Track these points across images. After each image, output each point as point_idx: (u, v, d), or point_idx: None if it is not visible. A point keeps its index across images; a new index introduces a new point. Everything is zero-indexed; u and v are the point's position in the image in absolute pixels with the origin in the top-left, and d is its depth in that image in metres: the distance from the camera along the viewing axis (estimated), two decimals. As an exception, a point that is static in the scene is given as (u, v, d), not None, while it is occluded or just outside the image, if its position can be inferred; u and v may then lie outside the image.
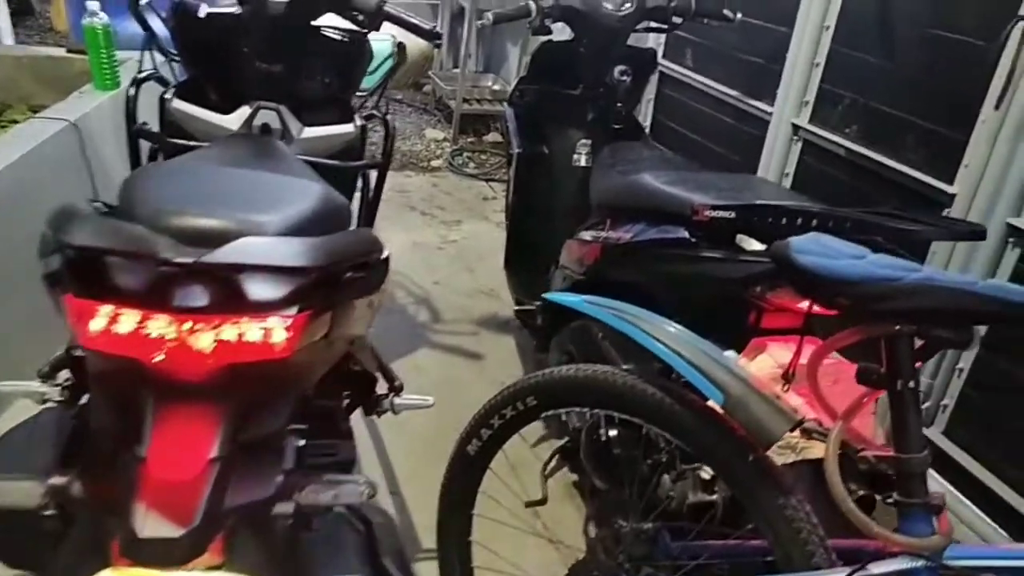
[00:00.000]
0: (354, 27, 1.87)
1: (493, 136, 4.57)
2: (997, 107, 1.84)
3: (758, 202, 1.35)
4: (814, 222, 1.23)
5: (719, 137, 2.95)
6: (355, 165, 1.90)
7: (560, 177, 2.43)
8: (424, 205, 3.73)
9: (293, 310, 0.79)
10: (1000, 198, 1.84)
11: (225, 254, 0.76)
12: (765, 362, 1.34)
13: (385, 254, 1.15)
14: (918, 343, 0.96)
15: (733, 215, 1.32)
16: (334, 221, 1.12)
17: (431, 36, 1.89)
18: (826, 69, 2.42)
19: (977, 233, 1.18)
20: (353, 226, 1.34)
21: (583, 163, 2.42)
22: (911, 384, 0.96)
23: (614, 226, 1.69)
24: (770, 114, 2.64)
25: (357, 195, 2.04)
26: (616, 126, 2.41)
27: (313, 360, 0.92)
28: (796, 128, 2.53)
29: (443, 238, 3.42)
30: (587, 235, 1.80)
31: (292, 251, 0.80)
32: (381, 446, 2.12)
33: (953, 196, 1.97)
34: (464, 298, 2.93)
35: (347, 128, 1.92)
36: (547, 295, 1.35)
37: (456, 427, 1.43)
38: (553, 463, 1.69)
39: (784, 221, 1.26)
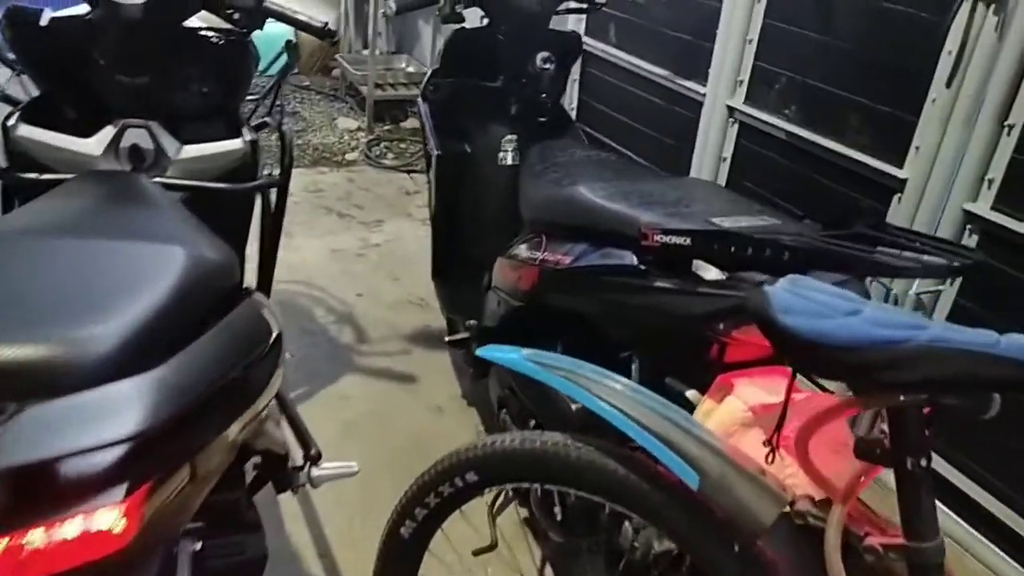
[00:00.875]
0: (232, 27, 1.60)
1: (411, 123, 4.29)
2: (948, 85, 1.72)
3: (718, 227, 1.17)
4: (785, 255, 1.07)
5: (651, 120, 2.78)
6: (247, 187, 1.64)
7: (486, 178, 2.22)
8: (341, 205, 3.46)
9: (121, 491, 0.56)
10: (956, 182, 1.73)
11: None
12: (733, 406, 1.17)
13: (275, 334, 0.93)
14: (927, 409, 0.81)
15: (688, 242, 1.14)
16: (208, 298, 0.88)
17: (323, 34, 1.64)
18: (760, 46, 2.27)
19: (968, 267, 1.03)
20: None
21: (510, 161, 2.21)
22: (922, 462, 0.80)
23: (551, 246, 1.49)
24: (703, 95, 2.48)
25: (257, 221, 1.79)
26: (541, 119, 2.20)
27: (179, 512, 0.70)
28: (731, 110, 2.38)
29: (364, 242, 3.16)
30: (521, 253, 1.60)
31: (113, 414, 0.57)
32: (305, 495, 1.90)
33: (904, 181, 1.86)
34: (391, 311, 2.70)
35: (234, 144, 1.65)
36: (481, 352, 1.15)
37: (390, 466, 1.21)
38: (500, 500, 1.51)
39: (750, 252, 1.09)
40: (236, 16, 1.56)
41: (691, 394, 1.26)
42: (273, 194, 1.83)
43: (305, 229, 3.20)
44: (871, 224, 1.12)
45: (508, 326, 1.66)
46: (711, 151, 2.45)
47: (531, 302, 1.54)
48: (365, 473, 1.74)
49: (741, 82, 2.34)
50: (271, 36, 1.76)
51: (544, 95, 2.17)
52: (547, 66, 2.11)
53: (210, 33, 1.64)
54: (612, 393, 0.98)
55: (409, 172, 3.82)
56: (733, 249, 1.12)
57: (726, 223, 1.20)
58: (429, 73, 2.18)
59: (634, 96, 2.84)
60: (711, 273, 1.17)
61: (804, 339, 0.79)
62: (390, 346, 2.51)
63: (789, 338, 0.80)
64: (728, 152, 2.43)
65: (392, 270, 2.96)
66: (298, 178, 3.67)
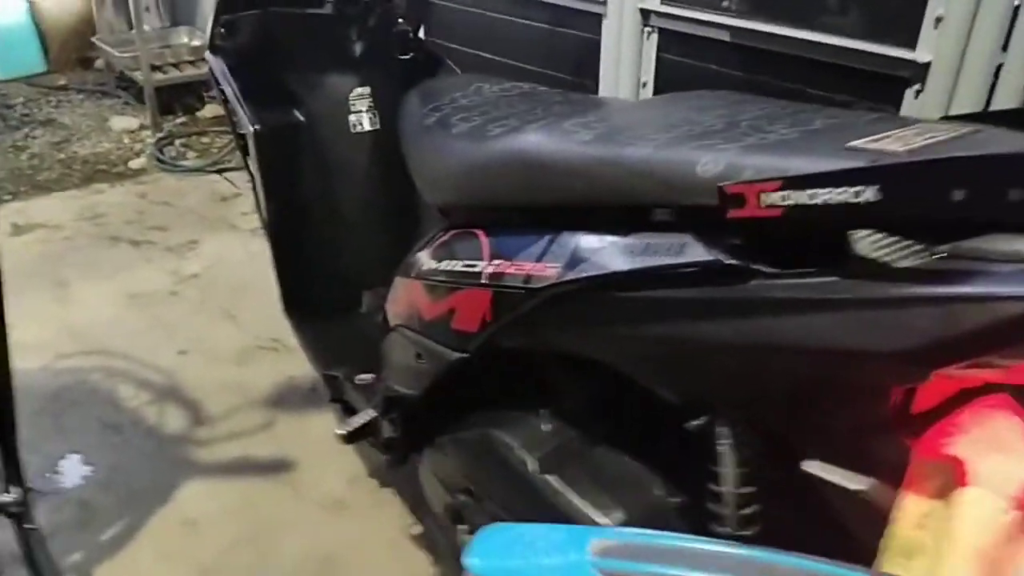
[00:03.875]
0: None
1: (212, 109, 3.37)
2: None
3: (904, 158, 0.56)
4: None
5: (533, 53, 2.14)
6: None
7: (336, 157, 1.51)
8: (133, 230, 2.55)
9: None
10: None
11: None
12: (981, 504, 0.59)
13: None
14: None
15: (861, 195, 0.53)
16: None
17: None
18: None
19: None
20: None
21: (367, 126, 1.52)
22: None
23: (502, 246, 0.83)
24: (603, 4, 1.87)
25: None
26: (403, 56, 1.50)
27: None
28: (646, 14, 1.79)
29: (175, 275, 2.30)
30: (441, 265, 0.92)
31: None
32: None
33: (925, 66, 1.35)
34: (233, 367, 1.91)
35: None
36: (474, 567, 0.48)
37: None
38: None
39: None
40: None
41: (862, 485, 0.66)
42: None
43: (85, 271, 2.30)
44: None
45: (440, 393, 0.98)
46: (625, 78, 1.86)
47: (483, 350, 0.87)
48: None
49: (652, -25, 1.76)
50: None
51: (401, 19, 1.47)
52: (398, -26, 1.42)
53: None
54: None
55: (221, 172, 2.95)
56: (965, 196, 0.51)
57: (895, 147, 0.60)
58: (217, 6, 1.40)
59: (505, 24, 2.18)
60: (899, 256, 0.55)
61: None
62: (243, 421, 1.74)
63: None
64: (648, 75, 1.85)
65: (223, 306, 2.15)
66: (67, 204, 2.72)
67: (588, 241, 0.72)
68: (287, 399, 1.80)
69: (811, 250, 0.60)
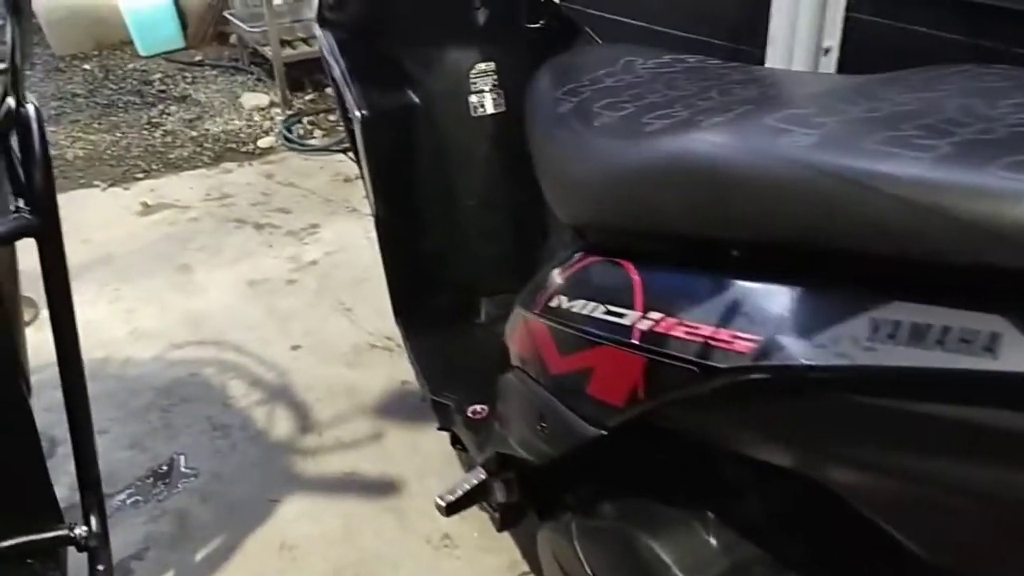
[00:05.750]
0: None
1: (338, 85, 3.29)
2: None
3: None
4: None
5: (684, 16, 1.84)
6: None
7: (452, 143, 1.31)
8: (258, 213, 2.49)
9: None
10: None
11: None
12: None
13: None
14: None
15: None
16: None
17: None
18: None
19: None
20: None
21: (489, 108, 1.31)
22: None
23: (666, 295, 0.58)
24: (777, -49, 1.54)
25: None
26: (533, 24, 1.27)
27: None
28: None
29: (294, 262, 2.21)
30: (576, 312, 0.68)
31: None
32: None
33: None
34: (345, 367, 1.78)
35: None
36: None
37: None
38: None
39: None
40: None
41: None
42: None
43: (209, 256, 2.25)
44: None
45: (567, 468, 0.76)
46: (803, 42, 1.53)
47: (635, 428, 0.63)
48: None
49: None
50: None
51: (532, -19, 1.23)
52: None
53: None
54: None
55: (346, 151, 2.85)
56: None
57: None
58: (323, -26, 1.22)
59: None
60: None
61: None
62: (352, 431, 1.60)
63: None
64: (833, 39, 1.51)
65: (339, 298, 2.03)
66: (196, 183, 2.71)
67: (812, 307, 0.46)
68: (398, 408, 1.65)
69: None
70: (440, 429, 1.22)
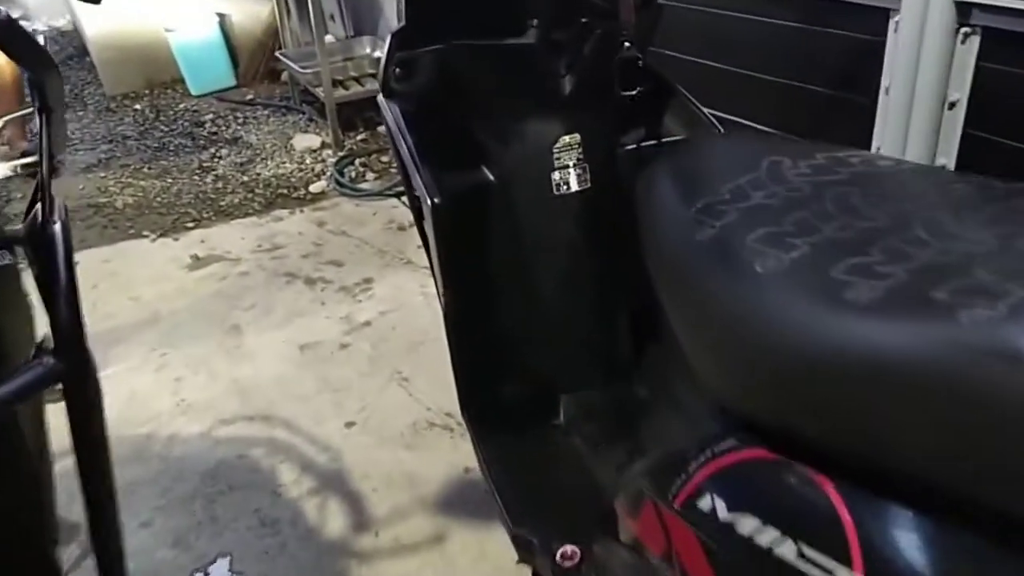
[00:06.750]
0: None
1: (390, 124, 3.19)
2: None
3: None
4: None
5: (778, 59, 1.66)
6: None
7: (531, 225, 1.16)
8: (309, 265, 2.38)
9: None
10: None
11: None
12: None
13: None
14: None
15: None
16: None
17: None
18: None
19: None
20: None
21: (574, 185, 1.15)
22: None
23: (899, 550, 0.41)
24: (893, -5, 1.36)
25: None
26: (630, 92, 1.11)
27: None
28: (964, 8, 1.27)
29: (348, 323, 2.09)
30: (740, 533, 0.51)
31: None
32: None
33: None
34: (403, 450, 1.64)
35: None
36: None
37: None
38: None
39: None
40: None
41: None
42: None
43: (259, 316, 2.14)
44: None
45: None
46: (924, 93, 1.34)
47: None
48: None
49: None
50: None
51: (627, 43, 1.07)
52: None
53: None
54: None
55: (400, 196, 2.74)
56: None
57: None
58: (390, 43, 1.08)
59: (741, 24, 1.72)
60: None
61: None
62: (410, 530, 1.45)
63: None
64: (961, 91, 1.32)
65: (395, 366, 1.89)
66: (247, 233, 2.62)
67: None
68: (462, 503, 1.49)
69: None
70: (520, 563, 1.05)
